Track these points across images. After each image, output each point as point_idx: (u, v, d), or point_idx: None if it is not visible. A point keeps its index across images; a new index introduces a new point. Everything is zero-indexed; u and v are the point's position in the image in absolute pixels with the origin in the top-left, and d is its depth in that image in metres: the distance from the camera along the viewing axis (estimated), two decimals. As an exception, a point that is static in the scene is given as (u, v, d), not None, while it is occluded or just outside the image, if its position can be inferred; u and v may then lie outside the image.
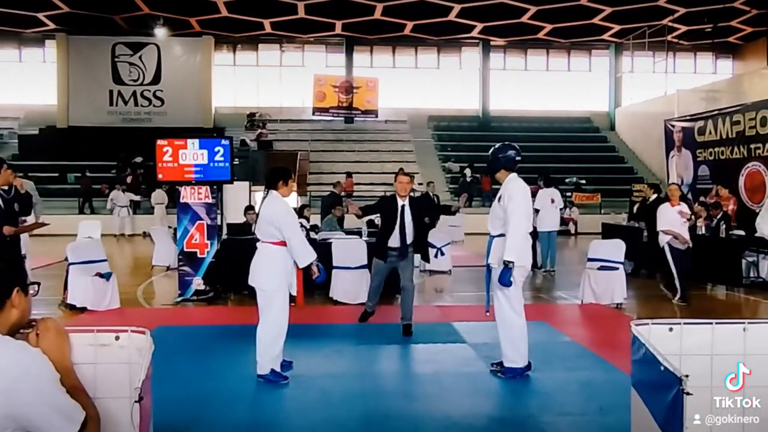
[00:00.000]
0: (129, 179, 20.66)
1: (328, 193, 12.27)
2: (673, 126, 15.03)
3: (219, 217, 8.62)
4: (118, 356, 2.25)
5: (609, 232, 12.46)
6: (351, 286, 7.99)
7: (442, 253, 10.91)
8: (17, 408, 1.73)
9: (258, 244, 4.84)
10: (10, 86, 26.63)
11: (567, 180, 22.97)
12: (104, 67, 26.07)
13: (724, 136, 13.07)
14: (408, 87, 28.29)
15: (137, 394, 2.08)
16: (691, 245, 8.32)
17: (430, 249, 10.81)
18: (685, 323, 2.73)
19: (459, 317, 7.24)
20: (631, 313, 7.71)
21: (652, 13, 23.53)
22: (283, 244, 4.74)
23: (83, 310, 7.48)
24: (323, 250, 8.13)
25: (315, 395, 4.59)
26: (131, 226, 18.96)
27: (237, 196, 9.99)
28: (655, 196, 11.09)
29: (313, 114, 26.54)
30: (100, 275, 7.71)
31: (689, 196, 13.82)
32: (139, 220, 19.24)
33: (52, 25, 25.11)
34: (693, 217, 8.77)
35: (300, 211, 11.12)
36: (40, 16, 23.94)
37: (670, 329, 2.72)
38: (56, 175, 22.33)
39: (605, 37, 27.19)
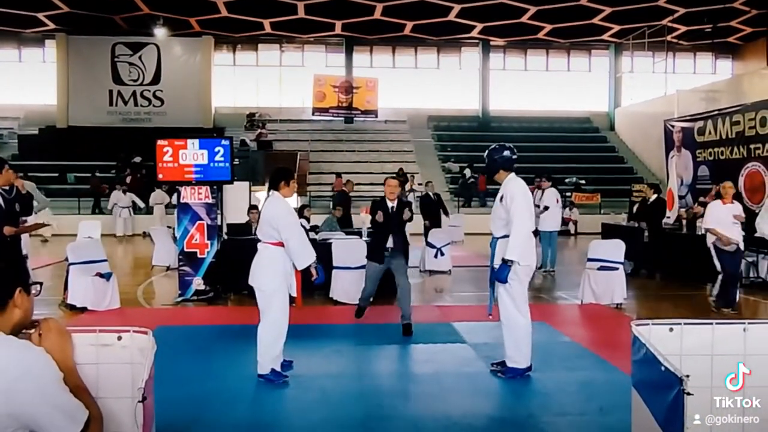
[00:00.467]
0: (128, 179, 20.63)
1: (339, 191, 12.40)
2: (673, 126, 15.03)
3: (219, 217, 8.62)
4: (121, 356, 2.25)
5: (609, 232, 12.46)
6: (351, 286, 7.99)
7: (442, 254, 10.91)
8: (19, 407, 1.74)
9: (259, 245, 4.85)
10: (10, 86, 26.63)
11: (567, 180, 22.98)
12: (104, 67, 26.06)
13: (723, 137, 13.07)
14: (408, 87, 28.30)
15: (141, 394, 2.08)
16: (741, 247, 7.85)
17: (430, 249, 10.93)
18: (685, 323, 2.73)
19: (459, 317, 7.25)
20: (630, 313, 7.71)
21: (652, 14, 23.54)
22: (283, 245, 4.75)
23: (83, 310, 7.48)
24: (323, 250, 8.14)
25: (315, 395, 4.59)
26: (132, 227, 18.94)
27: (237, 196, 9.98)
28: (655, 196, 11.10)
29: (313, 114, 26.54)
30: (101, 275, 7.71)
31: (688, 196, 13.83)
32: (139, 220, 19.23)
33: (51, 25, 25.10)
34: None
35: (300, 212, 11.14)
36: (40, 16, 23.94)
37: (671, 329, 2.73)
38: (56, 175, 22.33)
39: (605, 37, 27.20)
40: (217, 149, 8.16)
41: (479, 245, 14.34)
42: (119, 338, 2.27)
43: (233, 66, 28.03)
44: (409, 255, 6.83)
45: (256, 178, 18.67)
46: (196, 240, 8.26)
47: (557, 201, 10.97)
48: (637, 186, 17.35)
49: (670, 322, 2.75)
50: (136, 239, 18.32)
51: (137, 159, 22.47)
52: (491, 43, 27.91)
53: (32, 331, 1.98)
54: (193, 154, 8.12)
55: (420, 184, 21.87)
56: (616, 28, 25.71)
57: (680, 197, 13.23)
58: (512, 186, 4.84)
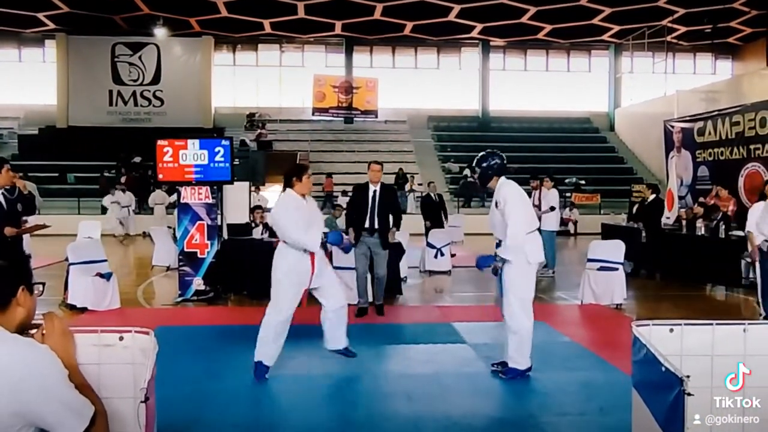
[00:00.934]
0: (123, 179, 20.60)
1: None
2: (673, 127, 15.05)
3: (219, 217, 8.62)
4: (122, 356, 2.25)
5: (608, 232, 12.47)
6: (350, 287, 7.97)
7: (442, 254, 10.91)
8: (26, 404, 1.75)
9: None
10: (10, 86, 26.64)
11: (567, 180, 22.98)
12: (104, 67, 26.07)
13: (723, 137, 13.09)
14: (408, 87, 28.31)
15: (143, 395, 2.09)
16: None
17: (430, 250, 10.93)
18: (685, 324, 2.74)
19: (459, 318, 7.25)
20: (630, 314, 7.72)
21: (652, 14, 23.56)
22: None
23: (83, 310, 7.48)
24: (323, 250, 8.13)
25: (316, 395, 4.60)
26: (134, 227, 18.93)
27: (237, 196, 9.99)
28: (653, 196, 11.09)
29: (313, 114, 26.55)
30: (101, 275, 7.71)
31: (688, 197, 13.84)
32: (140, 220, 19.23)
33: (51, 25, 25.11)
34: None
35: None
36: (40, 16, 23.94)
37: (671, 330, 2.74)
38: (56, 175, 22.33)
39: (605, 37, 27.21)
40: (217, 149, 8.17)
41: (479, 245, 14.35)
42: (121, 338, 2.27)
43: (233, 66, 28.05)
44: (388, 241, 7.15)
45: (256, 178, 18.74)
46: (196, 240, 8.25)
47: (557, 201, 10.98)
48: (637, 186, 17.37)
49: (671, 323, 2.75)
50: (137, 239, 18.32)
51: (137, 159, 22.49)
52: (491, 43, 27.92)
53: (35, 331, 1.99)
54: (193, 154, 8.13)
55: (420, 185, 21.92)
56: (616, 28, 25.72)
57: (680, 198, 13.24)
58: (505, 190, 4.84)
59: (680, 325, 2.74)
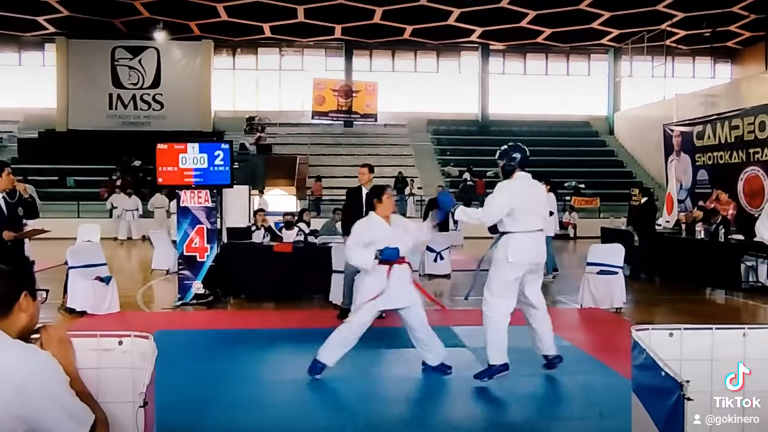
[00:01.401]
0: (119, 183, 20.58)
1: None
2: (672, 130, 15.07)
3: (219, 221, 8.62)
4: (122, 361, 2.25)
5: (608, 236, 12.47)
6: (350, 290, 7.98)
7: (442, 257, 10.91)
8: (28, 409, 1.75)
9: None
10: (10, 90, 26.62)
11: (566, 184, 22.99)
12: (104, 70, 26.07)
13: (722, 141, 13.11)
14: (407, 91, 28.31)
15: (142, 399, 2.09)
16: None
17: (429, 253, 10.93)
18: (685, 328, 2.74)
19: (458, 321, 7.23)
20: (630, 318, 7.71)
21: (651, 18, 23.59)
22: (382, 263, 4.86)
23: (83, 313, 7.47)
24: (323, 253, 8.15)
25: (315, 399, 4.59)
26: (137, 230, 18.93)
27: (237, 200, 9.99)
28: (644, 199, 11.10)
29: (313, 118, 26.56)
30: (100, 279, 7.71)
31: (688, 200, 13.85)
32: (142, 223, 19.21)
33: (51, 29, 25.12)
34: None
35: (300, 215, 11.15)
36: (40, 19, 23.96)
37: (671, 334, 2.74)
38: (56, 178, 22.33)
39: (604, 41, 27.25)
40: (216, 153, 8.17)
41: (479, 249, 14.34)
42: (120, 343, 2.28)
43: (233, 70, 28.06)
44: None
45: (256, 182, 18.74)
46: (195, 244, 8.25)
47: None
48: (636, 190, 17.35)
49: (670, 327, 2.75)
50: (136, 243, 18.32)
51: (137, 163, 22.49)
52: (491, 47, 27.95)
53: (38, 336, 1.99)
54: (192, 157, 8.13)
55: (420, 188, 21.94)
56: (615, 32, 25.76)
57: (680, 201, 13.26)
58: (507, 182, 4.96)
59: (680, 329, 2.74)
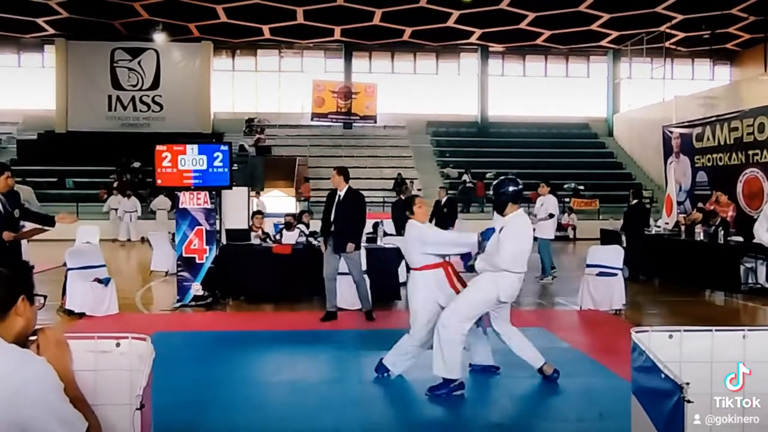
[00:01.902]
0: (115, 184, 20.56)
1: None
2: (671, 132, 15.08)
3: (218, 222, 8.61)
4: (119, 363, 2.24)
5: (607, 237, 12.46)
6: (349, 293, 7.97)
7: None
8: (21, 415, 1.73)
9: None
10: (9, 91, 26.60)
11: (565, 186, 23.01)
12: (103, 72, 26.06)
13: (722, 143, 13.11)
14: (406, 92, 28.31)
15: (138, 402, 2.07)
16: None
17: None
18: (684, 330, 2.73)
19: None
20: (629, 320, 7.70)
21: (650, 20, 23.62)
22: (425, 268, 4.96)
23: (81, 315, 7.46)
24: (322, 255, 8.12)
25: (314, 401, 4.58)
26: (136, 232, 18.92)
27: (236, 201, 9.98)
28: (635, 201, 11.10)
29: (312, 119, 26.55)
30: (99, 280, 7.70)
31: (687, 202, 13.85)
32: (141, 225, 19.21)
33: (51, 30, 25.12)
34: None
35: (299, 218, 11.13)
36: (40, 21, 23.96)
37: (670, 336, 2.73)
38: (55, 180, 22.31)
39: (603, 43, 27.27)
40: (215, 154, 8.17)
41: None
42: (118, 345, 2.27)
43: (232, 71, 28.07)
44: (341, 246, 7.20)
45: (255, 184, 18.74)
46: (194, 245, 8.24)
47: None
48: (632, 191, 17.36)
49: (670, 329, 2.75)
50: (135, 244, 18.30)
51: (136, 164, 22.47)
52: (490, 48, 27.96)
53: (34, 338, 1.97)
54: (192, 159, 8.13)
55: (419, 190, 21.91)
56: (615, 34, 25.78)
57: (679, 203, 13.25)
58: (515, 221, 4.70)
59: (679, 331, 2.73)
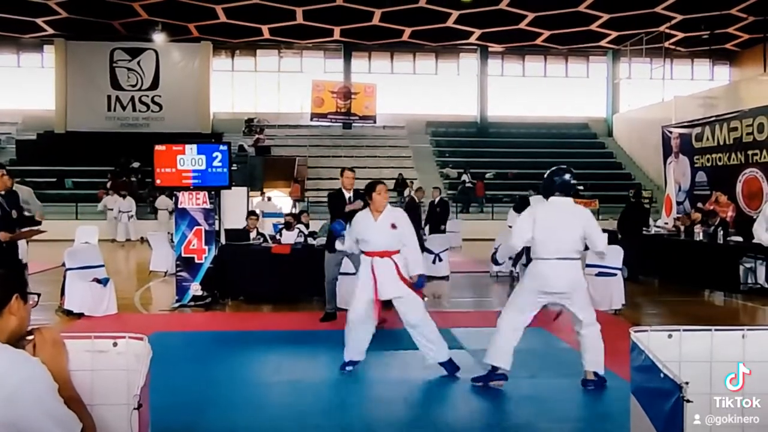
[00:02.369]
0: (109, 184, 20.54)
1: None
2: (671, 132, 15.08)
3: (217, 222, 8.60)
4: (116, 363, 2.23)
5: (607, 238, 12.44)
6: (349, 292, 7.95)
7: (440, 259, 10.90)
8: (16, 416, 1.72)
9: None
10: (8, 91, 26.60)
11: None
12: (102, 72, 26.06)
13: (721, 143, 13.11)
14: (406, 93, 28.32)
15: (136, 402, 2.07)
16: None
17: (428, 255, 10.90)
18: (684, 330, 2.73)
19: (457, 323, 7.22)
20: (629, 320, 7.69)
21: (650, 20, 23.62)
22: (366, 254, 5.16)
23: (80, 315, 7.45)
24: (321, 255, 8.12)
25: (313, 401, 4.58)
26: (135, 232, 18.92)
27: (235, 201, 9.98)
28: (633, 200, 11.11)
29: (311, 120, 26.55)
30: (98, 281, 7.69)
31: (686, 202, 13.85)
32: (141, 225, 19.20)
33: (50, 31, 25.12)
34: None
35: (298, 217, 11.13)
36: (39, 21, 23.95)
37: (669, 336, 2.72)
38: (54, 180, 22.29)
39: (603, 43, 27.27)
40: (215, 154, 8.16)
41: (477, 251, 14.33)
42: (115, 344, 2.26)
43: (232, 71, 28.07)
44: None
45: (254, 184, 18.71)
46: (193, 245, 8.22)
47: None
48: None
49: (669, 329, 2.74)
50: (135, 244, 18.29)
51: (135, 164, 22.46)
52: (489, 49, 27.97)
53: (31, 338, 1.97)
54: (191, 159, 8.12)
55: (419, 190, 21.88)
56: (614, 34, 25.78)
57: (678, 203, 13.26)
58: (529, 208, 5.02)
59: (679, 331, 2.72)
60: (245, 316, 7.97)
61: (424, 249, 10.95)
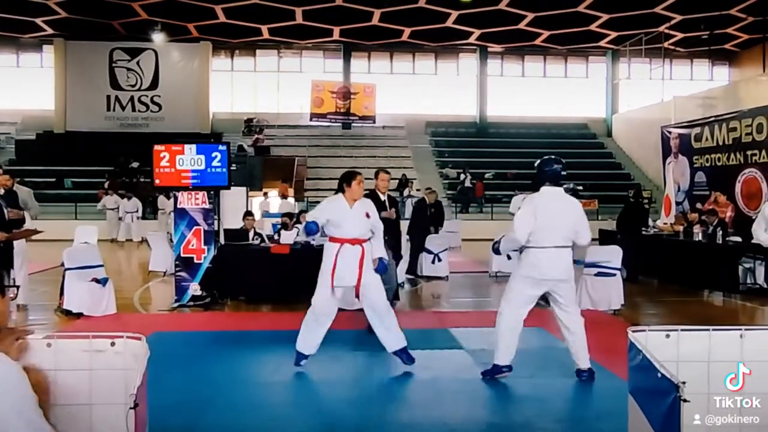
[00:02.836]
0: (106, 185, 20.53)
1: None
2: (670, 132, 15.08)
3: (216, 222, 8.60)
4: (114, 362, 2.24)
5: (606, 238, 12.46)
6: (347, 292, 7.94)
7: (439, 259, 10.90)
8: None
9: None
10: (8, 91, 26.57)
11: (564, 186, 22.88)
12: (102, 72, 26.04)
13: (720, 143, 13.12)
14: (405, 93, 28.32)
15: (132, 401, 2.07)
16: None
17: (427, 255, 10.91)
18: (682, 330, 2.73)
19: (456, 323, 7.23)
20: (627, 320, 7.69)
21: (649, 21, 23.63)
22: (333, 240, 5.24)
23: (79, 315, 7.44)
24: (320, 255, 8.12)
25: (312, 401, 4.58)
26: (137, 232, 18.91)
27: (234, 201, 9.97)
28: (632, 200, 11.11)
29: (311, 120, 26.55)
30: (97, 281, 7.68)
31: (686, 202, 13.85)
32: (142, 225, 19.18)
33: (49, 30, 25.10)
34: None
35: (297, 217, 11.12)
36: (38, 21, 23.94)
37: (667, 336, 2.73)
38: (53, 180, 22.28)
39: (602, 43, 27.28)
40: (214, 154, 8.15)
41: (476, 251, 14.34)
42: (112, 344, 2.26)
43: (231, 72, 28.06)
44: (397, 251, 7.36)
45: (253, 184, 18.72)
46: (192, 245, 8.22)
47: None
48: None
49: (667, 329, 2.74)
50: (134, 244, 18.29)
51: (135, 164, 22.45)
52: (489, 49, 27.97)
53: (19, 342, 1.96)
54: (190, 159, 8.11)
55: (418, 190, 21.90)
56: (614, 34, 25.79)
57: (677, 203, 13.27)
58: (528, 198, 5.03)
59: (677, 330, 2.73)
60: (244, 316, 7.97)
61: (423, 250, 10.99)
